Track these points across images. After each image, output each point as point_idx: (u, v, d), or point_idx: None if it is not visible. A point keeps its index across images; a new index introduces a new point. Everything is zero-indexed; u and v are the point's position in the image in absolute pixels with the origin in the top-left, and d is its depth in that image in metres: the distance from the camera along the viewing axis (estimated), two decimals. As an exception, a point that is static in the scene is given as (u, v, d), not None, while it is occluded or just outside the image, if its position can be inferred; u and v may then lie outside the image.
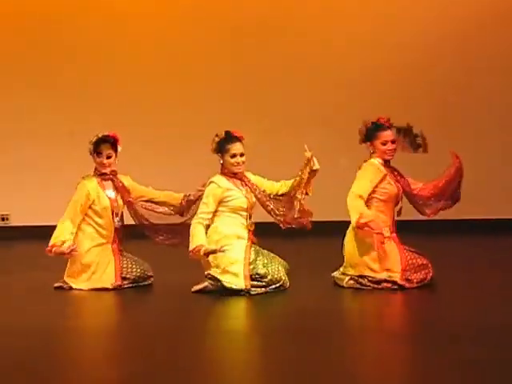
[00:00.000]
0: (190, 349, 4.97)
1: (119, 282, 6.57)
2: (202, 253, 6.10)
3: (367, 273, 6.49)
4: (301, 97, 9.37)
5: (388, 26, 9.28)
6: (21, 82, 9.34)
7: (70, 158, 8.80)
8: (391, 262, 6.46)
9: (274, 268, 6.24)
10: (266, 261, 6.24)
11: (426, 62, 9.27)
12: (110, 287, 6.55)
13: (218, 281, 6.16)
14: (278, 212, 6.41)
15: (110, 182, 6.73)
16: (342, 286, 6.55)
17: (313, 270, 7.07)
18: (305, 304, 6.00)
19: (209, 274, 6.22)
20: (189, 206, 6.69)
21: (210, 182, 6.33)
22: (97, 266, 6.61)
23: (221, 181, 6.32)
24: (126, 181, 6.80)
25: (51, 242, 6.56)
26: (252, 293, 6.13)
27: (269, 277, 6.20)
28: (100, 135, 6.63)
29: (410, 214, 6.78)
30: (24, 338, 5.19)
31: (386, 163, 6.66)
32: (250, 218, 6.41)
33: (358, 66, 9.28)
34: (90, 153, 6.68)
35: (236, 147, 6.31)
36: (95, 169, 6.76)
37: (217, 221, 6.32)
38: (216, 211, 6.29)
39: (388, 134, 6.60)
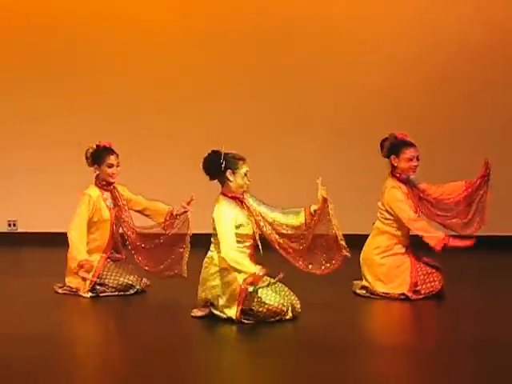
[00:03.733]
0: (193, 364, 4.95)
1: (88, 294, 6.61)
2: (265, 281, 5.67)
3: (378, 287, 6.60)
4: (314, 107, 9.26)
5: (405, 35, 9.19)
6: (30, 90, 9.34)
7: (77, 166, 8.74)
8: (402, 277, 6.57)
9: (270, 305, 5.69)
10: (265, 296, 5.72)
11: (442, 72, 9.16)
12: (86, 295, 6.61)
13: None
14: (277, 237, 5.83)
15: (109, 192, 6.80)
16: (355, 293, 6.71)
17: (323, 284, 7.00)
18: (314, 318, 5.91)
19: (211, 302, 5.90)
20: (172, 222, 6.63)
21: (219, 207, 5.81)
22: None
23: (230, 205, 5.83)
24: (124, 191, 6.88)
25: (80, 258, 6.59)
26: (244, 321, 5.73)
27: (261, 315, 5.69)
28: (95, 146, 6.77)
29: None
30: (21, 346, 5.20)
31: (406, 180, 6.66)
32: (256, 246, 5.86)
33: (373, 76, 9.18)
34: (89, 165, 6.81)
35: (247, 166, 5.87)
36: (100, 179, 6.81)
37: (215, 250, 5.84)
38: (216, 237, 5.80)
39: (413, 151, 6.65)
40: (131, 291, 6.70)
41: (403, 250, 6.65)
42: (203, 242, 6.01)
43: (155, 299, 6.67)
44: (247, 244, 5.85)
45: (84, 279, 6.61)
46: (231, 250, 5.68)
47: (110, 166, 6.75)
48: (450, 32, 9.14)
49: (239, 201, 5.90)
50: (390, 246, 6.63)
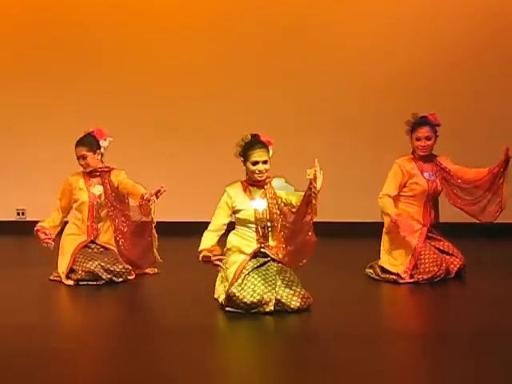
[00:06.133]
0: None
1: (65, 281, 6.73)
2: (200, 258, 5.84)
3: (386, 266, 6.73)
4: (318, 101, 9.28)
5: (411, 27, 9.18)
6: (38, 83, 9.41)
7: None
8: (404, 255, 6.67)
9: (260, 291, 5.65)
10: (257, 284, 5.69)
11: (451, 63, 9.17)
12: (66, 283, 6.72)
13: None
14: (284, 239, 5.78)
15: (98, 178, 6.93)
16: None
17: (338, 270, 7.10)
18: (328, 306, 5.94)
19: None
20: (145, 206, 6.60)
21: (225, 191, 5.97)
22: (63, 253, 6.85)
23: (233, 189, 5.95)
24: (118, 176, 6.95)
25: (41, 223, 6.94)
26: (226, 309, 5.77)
27: (245, 300, 5.65)
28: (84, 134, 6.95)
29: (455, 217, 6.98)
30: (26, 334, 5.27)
31: (423, 158, 6.80)
32: (263, 230, 5.87)
33: (380, 68, 9.19)
34: None
35: (258, 154, 5.82)
36: None
37: (232, 231, 5.98)
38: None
39: (423, 130, 6.76)
40: (98, 282, 6.71)
41: (415, 228, 6.72)
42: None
43: (158, 287, 6.76)
44: (251, 227, 5.90)
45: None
46: (206, 231, 5.93)
47: (77, 158, 6.97)
48: (454, 19, 9.12)
49: (259, 187, 5.91)
50: None
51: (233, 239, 5.94)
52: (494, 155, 6.80)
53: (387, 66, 9.15)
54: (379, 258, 6.84)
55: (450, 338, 5.16)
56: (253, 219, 5.88)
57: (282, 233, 5.79)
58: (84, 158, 6.92)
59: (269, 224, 5.89)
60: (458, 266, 6.74)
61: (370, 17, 9.21)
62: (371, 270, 6.87)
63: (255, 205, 5.89)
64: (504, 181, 6.65)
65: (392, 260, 6.73)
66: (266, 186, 5.92)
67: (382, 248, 6.86)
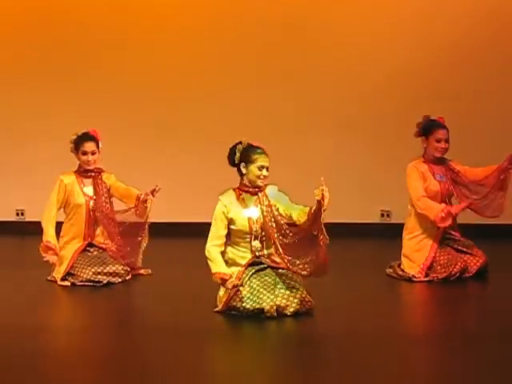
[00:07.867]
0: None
1: (60, 282, 6.73)
2: (217, 280, 5.74)
3: (404, 266, 6.83)
4: (318, 98, 9.25)
5: (411, 27, 9.15)
6: (38, 83, 9.39)
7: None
8: (421, 256, 6.77)
9: (260, 300, 5.60)
10: (256, 293, 5.63)
11: (451, 63, 9.14)
12: (63, 284, 6.72)
13: None
14: (281, 250, 5.66)
15: (91, 179, 6.90)
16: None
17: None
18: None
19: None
20: (142, 208, 6.62)
21: (218, 201, 5.83)
22: (62, 261, 6.82)
23: (226, 197, 5.82)
24: (109, 179, 6.96)
25: (45, 238, 6.78)
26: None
27: (246, 311, 5.63)
28: (80, 133, 6.91)
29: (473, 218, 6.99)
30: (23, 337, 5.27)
31: (435, 160, 6.89)
32: (258, 239, 5.77)
33: (380, 68, 9.16)
34: (71, 151, 6.95)
35: (264, 159, 5.74)
36: (78, 166, 6.98)
37: (227, 243, 5.86)
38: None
39: (443, 132, 6.87)
40: (97, 284, 6.70)
41: (429, 232, 6.82)
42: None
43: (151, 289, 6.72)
44: (246, 238, 5.80)
45: (48, 261, 6.78)
46: (210, 246, 5.79)
47: (84, 153, 6.90)
48: (454, 19, 9.08)
49: (253, 194, 5.81)
50: (416, 227, 6.87)
51: (228, 252, 5.86)
52: (493, 155, 6.84)
53: (387, 66, 9.14)
54: (393, 258, 6.95)
55: (458, 338, 5.19)
56: (247, 229, 5.78)
57: (283, 243, 5.68)
58: (93, 153, 6.91)
59: (263, 233, 5.79)
60: (478, 264, 6.82)
61: (370, 17, 9.19)
62: (391, 270, 6.96)
63: (249, 213, 5.79)
64: (508, 180, 6.72)
65: (411, 263, 6.83)
66: (259, 194, 5.82)
67: (402, 252, 6.93)
